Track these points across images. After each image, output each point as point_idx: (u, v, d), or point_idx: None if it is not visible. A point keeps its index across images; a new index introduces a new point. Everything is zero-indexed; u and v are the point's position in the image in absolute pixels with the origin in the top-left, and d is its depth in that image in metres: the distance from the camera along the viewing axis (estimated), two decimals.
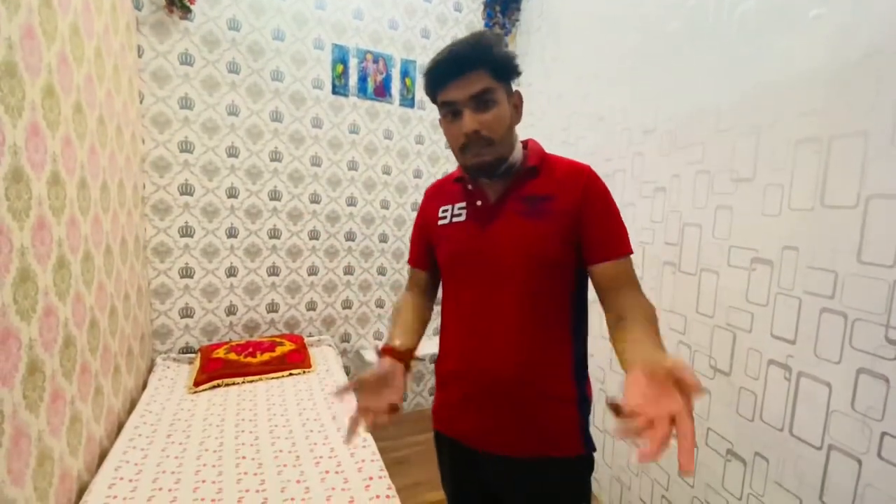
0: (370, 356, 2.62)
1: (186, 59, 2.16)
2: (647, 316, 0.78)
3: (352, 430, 0.81)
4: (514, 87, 0.88)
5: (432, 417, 1.03)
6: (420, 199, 2.80)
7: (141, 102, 2.09)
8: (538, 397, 0.85)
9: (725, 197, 1.37)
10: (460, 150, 0.86)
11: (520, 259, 0.85)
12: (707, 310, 1.43)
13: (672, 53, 1.59)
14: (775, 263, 1.22)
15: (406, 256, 2.79)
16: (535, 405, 0.85)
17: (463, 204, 0.94)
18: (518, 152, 0.91)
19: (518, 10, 2.79)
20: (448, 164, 2.84)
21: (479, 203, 0.91)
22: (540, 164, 0.89)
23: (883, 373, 0.97)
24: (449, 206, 0.96)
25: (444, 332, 0.98)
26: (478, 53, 0.81)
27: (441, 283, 1.01)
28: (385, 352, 0.90)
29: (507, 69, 0.83)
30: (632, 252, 0.86)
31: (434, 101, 0.88)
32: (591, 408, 0.92)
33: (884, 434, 0.97)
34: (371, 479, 1.32)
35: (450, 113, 0.85)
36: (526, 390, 0.85)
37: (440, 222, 0.97)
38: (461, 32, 2.77)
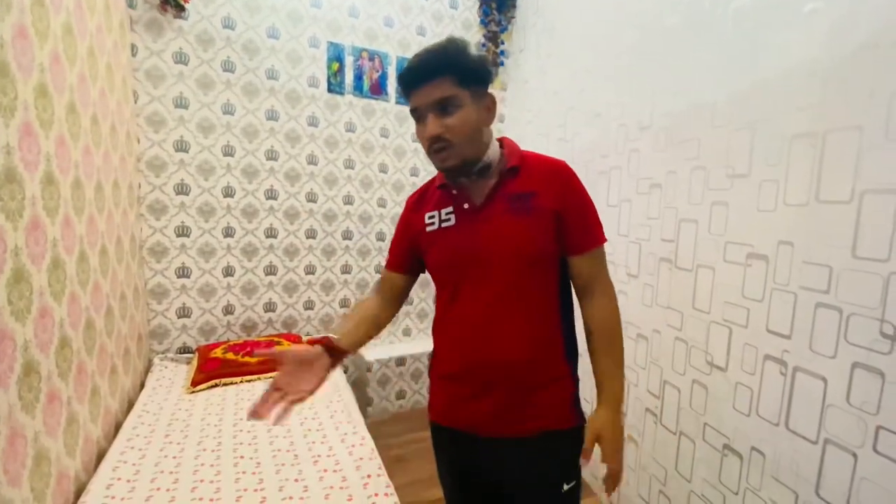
0: (369, 356, 2.62)
1: (181, 58, 2.15)
2: (610, 333, 0.94)
3: (257, 410, 0.81)
4: (489, 90, 0.92)
5: (429, 410, 1.06)
6: (413, 192, 2.79)
7: (135, 102, 2.08)
8: (536, 382, 0.92)
9: (721, 193, 1.37)
10: (427, 152, 0.91)
11: (512, 255, 0.89)
12: (703, 305, 1.44)
13: (668, 49, 1.59)
14: (770, 259, 1.22)
15: None
16: (534, 389, 0.92)
17: (450, 209, 0.96)
18: (494, 152, 0.94)
19: (514, 6, 2.78)
20: None
21: (466, 206, 0.94)
22: (520, 163, 0.93)
23: (878, 367, 0.98)
24: (435, 213, 0.98)
25: (439, 333, 1.01)
26: (441, 62, 0.85)
27: (435, 287, 1.03)
28: (318, 341, 0.91)
29: (472, 75, 0.87)
30: (604, 240, 0.95)
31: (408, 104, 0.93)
32: (579, 382, 1.00)
33: (879, 428, 0.98)
34: (369, 476, 1.32)
35: (417, 118, 0.90)
36: (525, 378, 0.91)
37: (429, 228, 0.99)
38: (457, 30, 2.77)
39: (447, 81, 0.85)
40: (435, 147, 0.88)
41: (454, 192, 0.96)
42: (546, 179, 0.91)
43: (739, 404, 1.32)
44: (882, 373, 0.97)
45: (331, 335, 0.95)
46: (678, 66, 1.54)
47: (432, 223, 0.98)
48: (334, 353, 0.92)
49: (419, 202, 1.05)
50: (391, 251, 1.11)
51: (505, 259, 0.89)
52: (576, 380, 0.98)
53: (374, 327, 1.06)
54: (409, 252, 1.05)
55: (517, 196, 0.90)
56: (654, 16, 1.65)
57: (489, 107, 0.92)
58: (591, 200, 0.95)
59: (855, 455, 1.02)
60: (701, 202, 1.45)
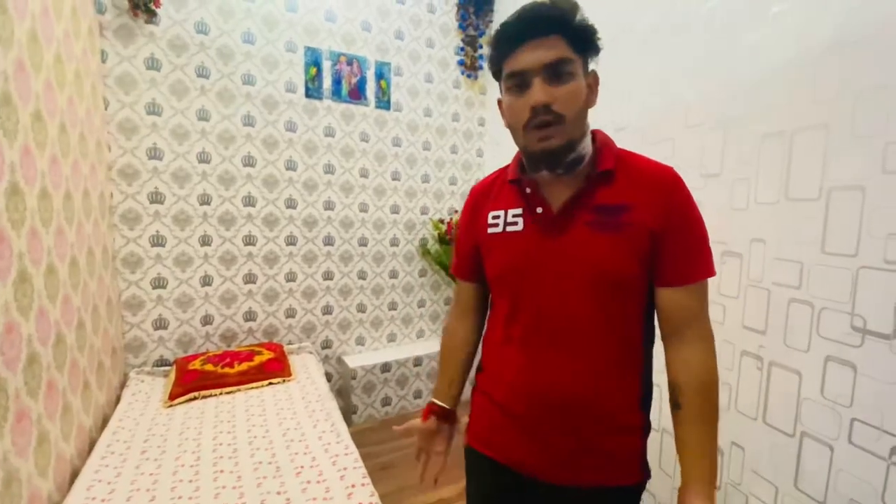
0: (352, 362, 2.59)
1: (153, 64, 2.10)
2: (706, 393, 0.75)
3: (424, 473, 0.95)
4: (591, 67, 0.77)
5: (467, 432, 0.94)
6: (398, 200, 2.79)
7: (106, 109, 2.03)
8: (603, 426, 0.78)
9: (695, 192, 1.38)
10: (524, 127, 0.73)
11: (590, 277, 0.75)
12: None
13: (642, 51, 1.62)
14: (744, 256, 1.25)
15: (386, 260, 2.78)
16: (600, 434, 0.78)
17: (519, 210, 0.81)
18: (587, 145, 0.77)
19: (491, 10, 2.80)
20: (425, 166, 2.84)
21: (539, 211, 0.79)
22: (615, 166, 0.76)
23: (850, 360, 1.00)
24: (501, 212, 0.84)
25: (493, 352, 0.89)
26: (555, 16, 0.70)
27: (491, 297, 0.92)
28: (430, 411, 0.96)
29: (586, 40, 0.72)
30: (712, 273, 0.76)
31: (498, 77, 0.77)
32: (650, 431, 0.85)
33: (853, 420, 1.00)
34: (353, 486, 1.30)
35: (515, 85, 0.73)
36: (590, 418, 0.77)
37: (490, 230, 0.85)
38: (435, 34, 2.77)
39: (560, 41, 0.70)
40: (538, 121, 0.71)
41: (528, 190, 0.81)
42: (646, 190, 0.74)
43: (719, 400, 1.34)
44: (854, 365, 1.00)
45: (436, 402, 0.97)
46: (652, 68, 1.57)
47: (496, 224, 0.84)
48: (448, 416, 0.97)
49: (484, 196, 0.90)
50: (456, 253, 0.97)
51: (579, 280, 0.74)
52: (647, 432, 0.83)
53: (467, 365, 1.00)
54: (474, 255, 0.90)
55: (606, 208, 0.74)
56: (627, 18, 1.68)
57: (592, 85, 0.76)
58: (702, 221, 0.77)
59: (831, 447, 1.05)
60: None
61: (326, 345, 2.68)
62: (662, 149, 1.52)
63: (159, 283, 2.21)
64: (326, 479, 1.34)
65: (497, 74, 0.78)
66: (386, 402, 2.63)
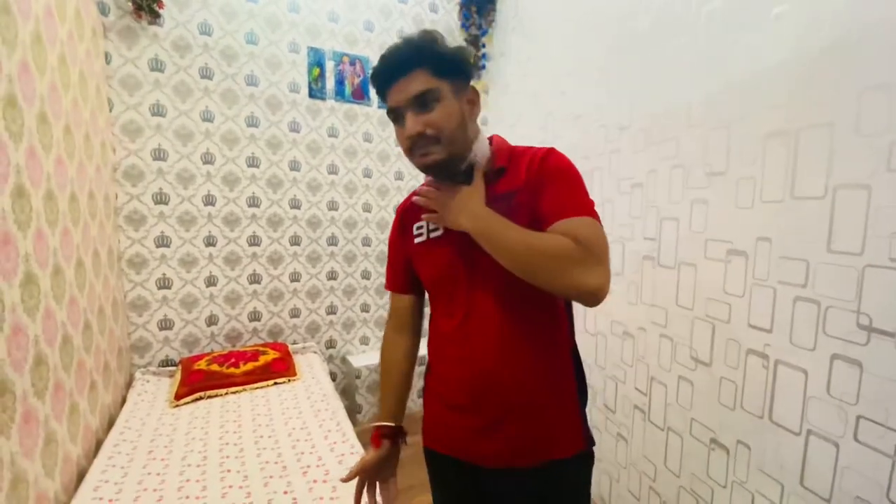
0: (357, 362, 2.60)
1: (157, 65, 2.11)
2: (554, 241, 0.71)
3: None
4: (472, 83, 0.84)
5: (423, 434, 0.98)
6: (401, 201, 2.78)
7: (110, 110, 2.03)
8: (543, 404, 0.83)
9: (700, 191, 1.40)
10: (409, 153, 0.82)
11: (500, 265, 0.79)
12: (686, 302, 1.46)
13: (644, 52, 1.61)
14: (750, 255, 1.24)
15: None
16: (541, 412, 0.83)
17: None
18: (483, 151, 0.85)
19: (494, 10, 2.80)
20: None
21: None
22: (507, 162, 0.85)
23: (856, 358, 1.00)
24: (423, 224, 0.91)
25: (435, 350, 0.93)
26: (413, 52, 0.77)
27: (429, 300, 0.96)
28: (381, 435, 0.96)
29: (450, 64, 0.79)
30: (594, 216, 0.76)
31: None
32: (587, 399, 0.91)
33: (859, 417, 1.00)
34: None
35: (394, 119, 0.82)
36: (532, 399, 0.82)
37: (417, 240, 0.92)
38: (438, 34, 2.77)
39: (423, 73, 0.77)
40: (417, 146, 0.79)
41: None
42: (527, 171, 0.81)
43: (724, 398, 1.34)
44: (860, 363, 0.99)
45: (385, 424, 0.97)
46: (654, 68, 1.57)
47: (420, 234, 0.91)
48: (396, 434, 0.98)
49: (407, 212, 0.96)
50: (388, 269, 1.02)
51: (494, 267, 0.77)
52: (584, 401, 0.90)
53: (408, 379, 1.02)
54: (406, 269, 0.96)
55: (501, 196, 0.81)
56: (629, 19, 1.68)
57: (472, 99, 0.84)
58: (577, 178, 0.81)
59: (837, 445, 1.05)
60: (681, 200, 1.47)
61: (331, 344, 2.69)
62: (666, 148, 1.52)
63: (164, 284, 2.22)
64: (333, 479, 1.34)
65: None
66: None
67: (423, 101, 0.77)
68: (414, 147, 0.80)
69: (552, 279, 0.71)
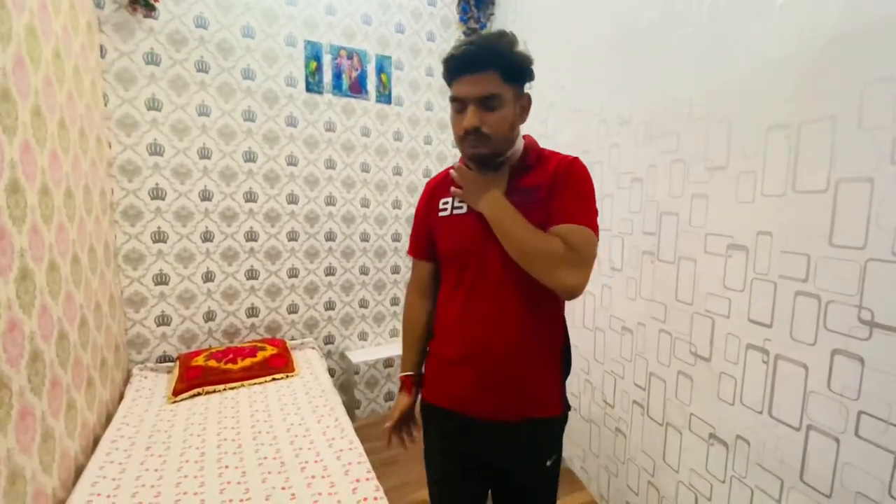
0: (355, 357, 2.59)
1: (152, 59, 2.09)
2: (547, 241, 0.85)
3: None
4: (527, 90, 0.95)
5: (423, 388, 1.10)
6: (400, 196, 2.78)
7: (106, 105, 2.02)
8: (529, 371, 0.94)
9: (700, 185, 1.39)
10: (460, 139, 0.92)
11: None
12: (686, 297, 1.45)
13: (644, 45, 1.60)
14: (750, 249, 1.24)
15: (388, 255, 2.78)
16: (526, 377, 0.94)
17: None
18: (517, 148, 0.97)
19: (492, 3, 2.78)
20: (427, 160, 2.83)
21: None
22: (535, 160, 0.96)
23: (857, 353, 1.00)
24: (449, 199, 1.01)
25: (443, 316, 1.03)
26: (490, 55, 0.86)
27: (441, 272, 1.06)
28: (412, 382, 1.11)
29: (518, 73, 0.89)
30: (591, 229, 0.88)
31: (449, 87, 0.93)
32: (570, 371, 1.04)
33: (860, 413, 1.00)
34: (358, 481, 1.30)
35: (456, 107, 0.91)
36: (519, 368, 0.94)
37: (441, 213, 1.02)
38: (436, 27, 2.75)
39: (494, 77, 0.86)
40: (470, 138, 0.89)
41: None
42: (552, 173, 0.92)
43: (724, 394, 1.34)
44: (861, 358, 0.99)
45: (410, 373, 1.11)
46: (655, 62, 1.55)
47: (445, 209, 1.02)
48: (419, 384, 1.12)
49: (437, 187, 1.07)
50: (412, 237, 1.14)
51: (505, 252, 0.89)
52: (566, 373, 1.02)
53: (427, 336, 1.11)
54: (428, 238, 1.07)
55: (524, 189, 0.92)
56: (629, 12, 1.66)
57: (525, 106, 0.96)
58: (589, 191, 0.92)
59: (837, 440, 1.04)
60: (681, 195, 1.46)
61: (329, 340, 2.68)
62: (667, 142, 1.51)
63: (161, 280, 2.21)
64: (331, 474, 1.34)
65: (449, 87, 0.94)
66: (389, 396, 2.64)
67: (487, 103, 0.87)
68: (467, 136, 0.90)
69: (539, 271, 0.85)
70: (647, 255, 1.62)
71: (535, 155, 0.97)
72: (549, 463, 1.01)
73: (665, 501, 1.57)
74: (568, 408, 1.03)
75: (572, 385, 2.10)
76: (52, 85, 1.40)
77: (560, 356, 1.00)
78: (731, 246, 1.29)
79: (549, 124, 2.22)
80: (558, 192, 0.90)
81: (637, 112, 1.65)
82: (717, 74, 1.32)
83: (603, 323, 1.86)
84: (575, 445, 2.12)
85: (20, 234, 1.14)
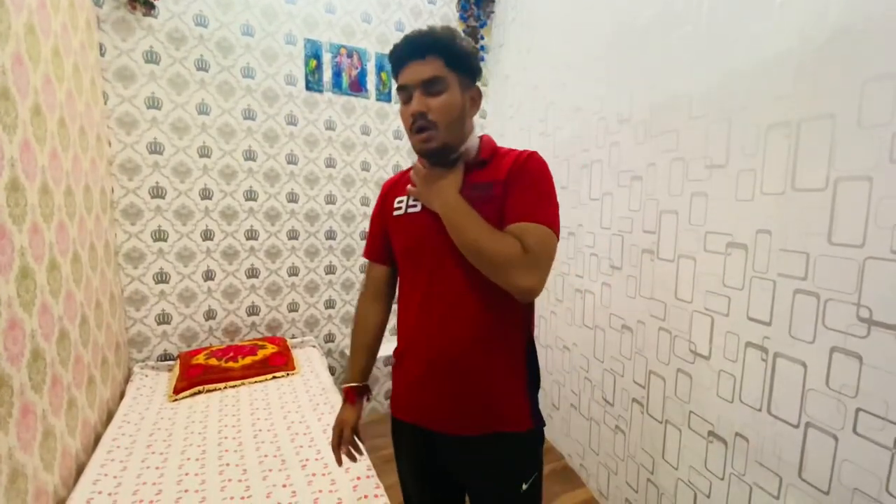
0: None
1: (152, 57, 2.09)
2: (498, 236, 0.81)
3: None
4: (477, 84, 0.93)
5: (390, 404, 1.05)
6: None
7: (105, 103, 2.01)
8: (491, 377, 0.90)
9: (700, 184, 1.39)
10: (409, 131, 0.89)
11: None
12: (685, 295, 1.45)
13: (644, 42, 1.60)
14: (749, 248, 1.24)
15: None
16: (489, 384, 0.90)
17: None
18: (472, 145, 0.94)
19: (492, 1, 2.77)
20: None
21: None
22: (490, 156, 0.93)
23: (855, 350, 1.00)
24: (404, 198, 0.99)
25: (401, 320, 1.00)
26: (432, 41, 0.85)
27: (398, 273, 1.04)
28: (356, 393, 1.05)
29: (461, 60, 0.87)
30: (550, 227, 0.83)
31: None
32: (539, 382, 0.97)
33: (858, 410, 1.00)
34: (359, 479, 1.31)
35: (403, 97, 0.89)
36: (481, 371, 0.89)
37: (395, 213, 1.00)
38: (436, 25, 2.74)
39: (437, 62, 0.85)
40: (417, 125, 0.87)
41: None
42: (508, 168, 0.89)
43: (723, 391, 1.34)
44: (860, 356, 0.99)
45: (355, 384, 1.06)
46: (655, 59, 1.55)
47: (399, 208, 0.99)
48: (366, 393, 1.08)
49: (393, 188, 1.05)
50: (368, 237, 1.11)
51: (460, 251, 0.85)
52: (533, 381, 0.95)
53: (377, 343, 1.09)
54: (384, 240, 1.04)
55: (479, 185, 0.89)
56: (629, 9, 1.66)
57: (474, 98, 0.93)
58: (547, 185, 0.87)
59: (836, 437, 1.05)
60: (681, 193, 1.46)
61: (329, 338, 2.69)
62: (666, 140, 1.51)
63: (162, 278, 2.21)
64: (332, 472, 1.34)
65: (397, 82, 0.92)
66: (389, 395, 2.63)
67: (431, 86, 0.85)
68: (415, 125, 0.87)
69: (493, 273, 0.81)
70: (646, 253, 1.62)
71: (490, 151, 0.94)
72: (525, 486, 0.93)
73: (664, 499, 1.58)
74: (541, 423, 0.96)
75: (572, 383, 2.11)
76: (52, 83, 1.40)
77: (524, 363, 0.93)
78: (731, 244, 1.29)
79: (548, 123, 2.22)
80: (514, 188, 0.86)
81: (637, 110, 1.65)
82: (717, 72, 1.32)
83: (602, 321, 1.87)
84: (575, 443, 2.12)
85: (20, 232, 1.14)
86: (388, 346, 2.75)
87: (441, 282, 0.90)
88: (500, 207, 0.86)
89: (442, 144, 0.88)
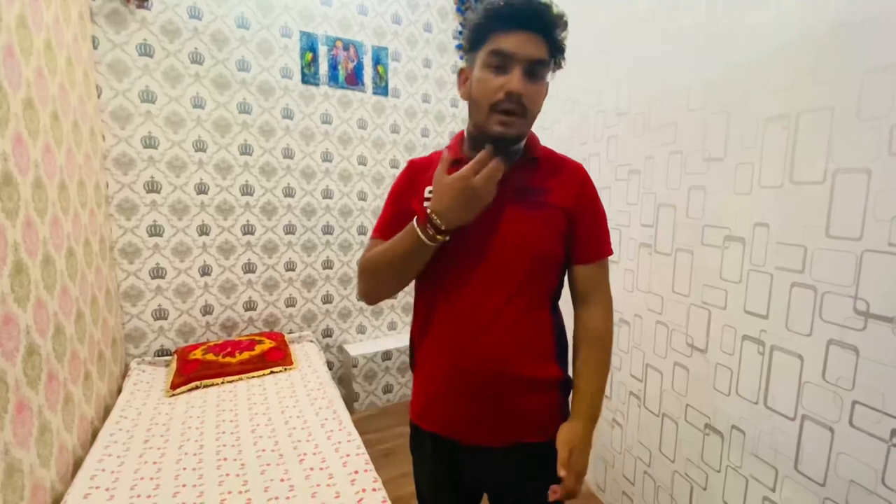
0: (353, 350, 2.60)
1: (145, 50, 2.06)
2: (601, 346, 0.89)
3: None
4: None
5: (411, 409, 0.99)
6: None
7: (99, 97, 1.99)
8: (524, 387, 0.85)
9: (698, 177, 1.38)
10: (491, 107, 0.77)
11: (514, 250, 0.82)
12: (683, 289, 1.45)
13: (642, 34, 1.59)
14: (747, 241, 1.24)
15: None
16: (522, 393, 0.85)
17: None
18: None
19: None
20: (424, 153, 2.80)
21: None
22: (539, 156, 0.88)
23: (852, 343, 1.00)
24: None
25: (424, 329, 0.92)
26: (550, 20, 0.76)
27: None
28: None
29: (559, 53, 0.81)
30: (611, 253, 0.92)
31: (473, 46, 0.79)
32: (572, 387, 0.91)
33: (854, 403, 1.00)
34: (356, 473, 1.31)
35: (496, 64, 0.76)
36: (512, 381, 0.84)
37: (426, 204, 0.84)
38: (433, 17, 2.73)
39: (545, 45, 0.77)
40: (506, 107, 0.76)
41: None
42: (562, 178, 0.86)
43: (719, 384, 1.34)
44: (856, 349, 0.99)
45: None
46: (653, 52, 1.54)
47: (430, 199, 0.85)
48: None
49: (422, 172, 0.92)
50: (383, 215, 0.94)
51: (503, 253, 0.81)
52: (566, 386, 0.91)
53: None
54: (403, 221, 0.87)
55: (529, 189, 0.83)
56: (627, 2, 1.65)
57: (546, 90, 0.85)
58: (603, 209, 0.91)
59: (832, 430, 1.05)
60: (679, 187, 1.46)
61: (327, 333, 2.68)
62: (664, 133, 1.50)
63: (158, 274, 2.20)
64: (329, 466, 1.34)
65: (474, 44, 0.79)
66: (387, 389, 2.65)
67: (536, 70, 0.77)
68: (502, 104, 0.76)
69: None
70: (644, 246, 1.62)
71: (538, 148, 0.89)
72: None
73: (661, 491, 1.59)
74: None
75: None
76: (44, 76, 1.39)
77: (557, 369, 0.89)
78: (728, 237, 1.29)
79: (546, 116, 2.21)
80: (583, 220, 0.85)
81: (635, 102, 1.64)
82: (716, 64, 1.31)
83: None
84: None
85: (14, 227, 1.13)
86: (392, 340, 2.76)
87: (478, 288, 0.83)
88: (555, 217, 0.83)
89: (519, 134, 0.80)
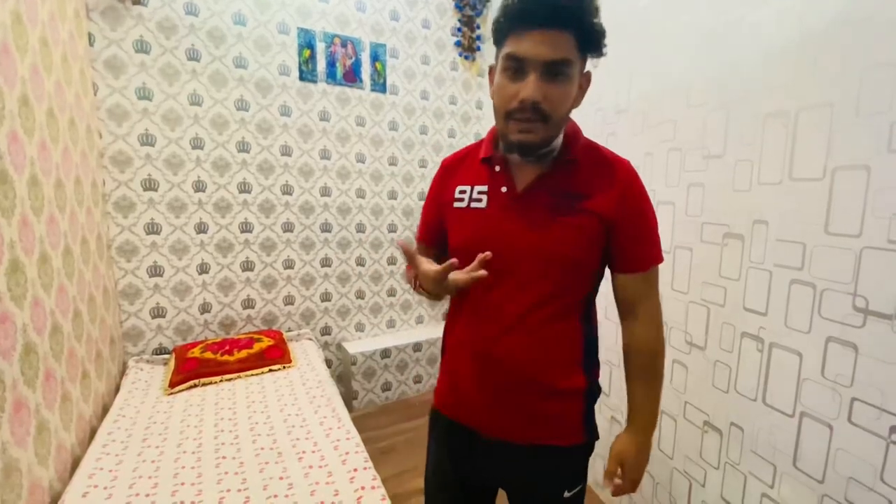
0: (352, 348, 2.60)
1: (142, 47, 2.05)
2: (651, 361, 0.86)
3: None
4: (588, 68, 0.78)
5: (434, 395, 0.99)
6: (395, 186, 2.77)
7: (95, 94, 1.98)
8: (547, 391, 0.83)
9: (697, 174, 1.38)
10: (507, 115, 0.75)
11: (544, 258, 0.79)
12: (681, 286, 1.45)
13: (642, 31, 1.58)
14: (746, 238, 1.24)
15: (384, 246, 2.77)
16: (544, 398, 0.83)
17: (485, 188, 0.84)
18: (559, 136, 0.81)
19: None
20: (423, 150, 2.81)
21: (503, 189, 0.82)
22: (580, 156, 0.81)
23: (851, 340, 1.00)
24: (468, 188, 0.86)
25: (454, 319, 0.93)
26: (572, 12, 0.69)
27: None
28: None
29: (594, 43, 0.73)
30: (661, 260, 0.85)
31: (498, 42, 0.76)
32: (599, 395, 0.91)
33: (853, 400, 1.01)
34: (355, 470, 1.31)
35: (512, 69, 0.72)
36: (536, 384, 0.83)
37: (456, 204, 0.87)
38: (431, 14, 2.71)
39: (568, 39, 0.69)
40: (523, 115, 0.72)
41: (496, 168, 0.83)
42: (605, 181, 0.79)
43: (718, 382, 1.34)
44: (855, 346, 1.00)
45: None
46: (653, 49, 1.54)
47: (461, 199, 0.87)
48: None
49: (453, 170, 0.92)
50: (423, 218, 0.99)
51: (534, 259, 0.79)
52: (592, 394, 0.88)
53: None
54: (438, 223, 0.93)
55: (566, 194, 0.78)
56: None
57: (583, 85, 0.78)
58: (653, 212, 0.84)
59: (830, 427, 1.05)
60: (678, 184, 1.45)
61: (326, 331, 2.68)
62: (664, 130, 1.50)
63: (156, 272, 2.19)
64: (328, 464, 1.34)
65: (496, 43, 0.77)
66: (386, 387, 2.64)
67: (555, 71, 0.70)
68: (517, 112, 0.73)
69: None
70: None
71: (579, 146, 0.81)
72: (567, 493, 0.88)
73: (660, 488, 1.59)
74: (594, 437, 0.89)
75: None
76: (40, 73, 1.37)
77: (584, 373, 0.86)
78: (728, 234, 1.29)
79: None
80: (628, 230, 0.79)
81: (634, 100, 1.64)
82: (716, 61, 1.31)
83: (598, 313, 1.86)
84: None
85: (10, 225, 1.12)
86: (391, 338, 2.76)
87: (506, 291, 0.81)
88: (592, 225, 0.77)
89: (542, 140, 0.75)
